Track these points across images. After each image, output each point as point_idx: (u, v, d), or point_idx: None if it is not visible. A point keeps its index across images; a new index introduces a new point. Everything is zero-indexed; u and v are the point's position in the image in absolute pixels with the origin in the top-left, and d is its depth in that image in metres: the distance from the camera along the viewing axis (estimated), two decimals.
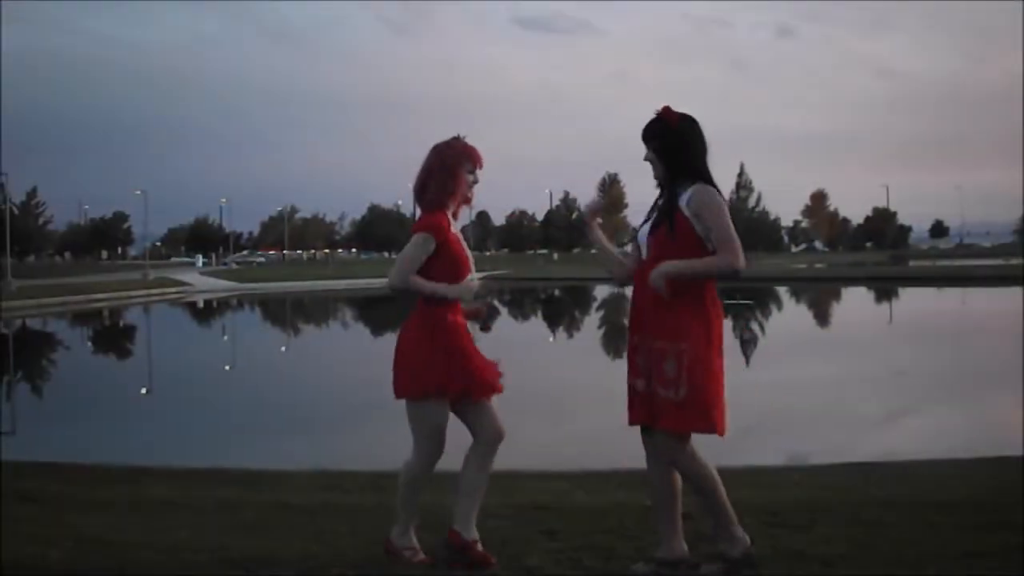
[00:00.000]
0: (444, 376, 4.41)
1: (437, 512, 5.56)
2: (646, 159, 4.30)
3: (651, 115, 4.27)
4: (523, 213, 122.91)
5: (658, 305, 4.12)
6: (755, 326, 28.62)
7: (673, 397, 4.05)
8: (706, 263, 4.08)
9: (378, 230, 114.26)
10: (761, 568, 4.15)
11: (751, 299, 38.81)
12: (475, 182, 4.61)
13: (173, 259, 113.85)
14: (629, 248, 4.56)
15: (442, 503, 5.86)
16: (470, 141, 4.63)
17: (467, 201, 4.63)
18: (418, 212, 4.65)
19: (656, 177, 4.32)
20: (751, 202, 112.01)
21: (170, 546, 4.83)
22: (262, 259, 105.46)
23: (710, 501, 4.27)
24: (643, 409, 4.19)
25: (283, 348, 26.19)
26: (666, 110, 4.25)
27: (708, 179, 4.22)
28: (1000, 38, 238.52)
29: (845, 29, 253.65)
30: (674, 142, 4.23)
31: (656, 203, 4.36)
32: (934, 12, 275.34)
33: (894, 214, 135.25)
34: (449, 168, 4.51)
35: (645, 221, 4.39)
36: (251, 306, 46.38)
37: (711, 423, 4.08)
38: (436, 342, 4.44)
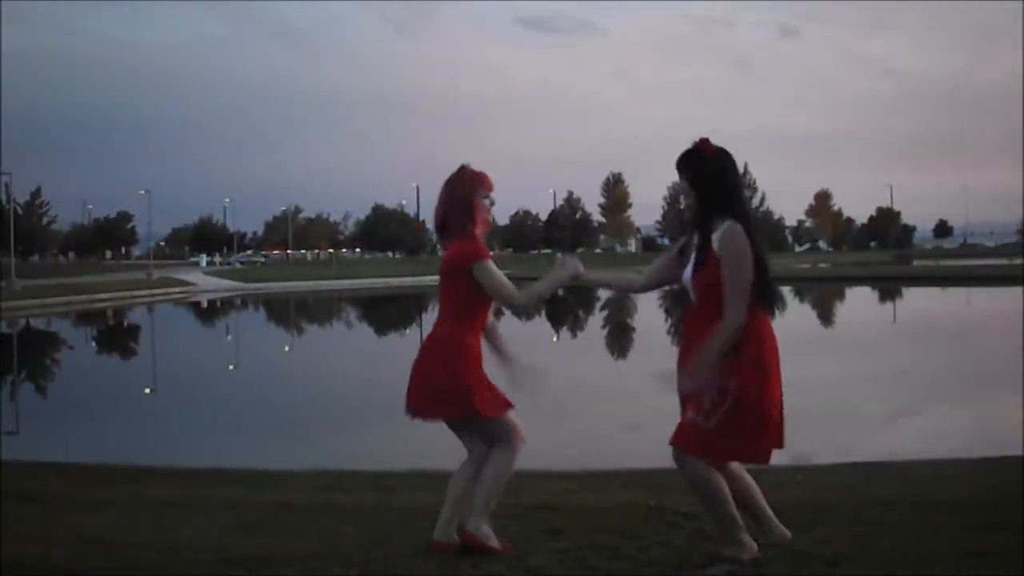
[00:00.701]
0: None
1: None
2: (679, 191, 4.33)
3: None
4: (527, 213, 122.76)
5: (695, 342, 4.19)
6: None
7: (702, 424, 4.11)
8: (719, 337, 4.09)
9: (382, 230, 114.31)
10: (765, 568, 4.15)
11: None
12: (492, 204, 4.73)
13: (190, 259, 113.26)
14: (649, 265, 4.62)
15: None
16: (476, 165, 4.74)
17: (487, 225, 4.73)
18: (438, 244, 4.87)
19: (688, 207, 4.36)
20: (755, 202, 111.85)
21: (172, 546, 4.83)
22: (263, 259, 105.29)
23: (716, 513, 4.27)
24: None
25: (286, 348, 26.20)
26: (703, 142, 4.27)
27: (743, 214, 4.22)
28: (1000, 38, 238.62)
29: (845, 29, 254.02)
30: (709, 174, 4.24)
31: (690, 239, 4.39)
32: (934, 12, 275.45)
33: (898, 214, 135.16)
34: (465, 198, 4.62)
35: (679, 252, 4.46)
36: (255, 306, 46.39)
37: (743, 453, 4.23)
38: (477, 363, 4.58)
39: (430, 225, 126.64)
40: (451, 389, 4.52)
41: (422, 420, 4.66)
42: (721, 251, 4.15)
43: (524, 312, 5.17)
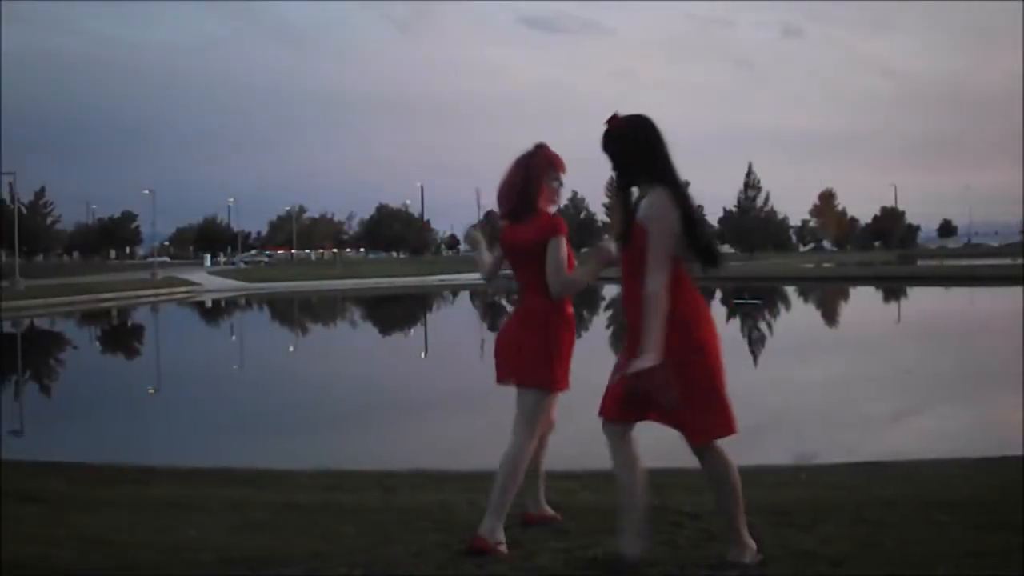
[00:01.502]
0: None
1: (452, 509, 5.57)
2: (613, 170, 4.28)
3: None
4: None
5: (635, 321, 4.11)
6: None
7: (691, 411, 4.05)
8: (647, 315, 3.97)
9: (386, 230, 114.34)
10: (769, 568, 4.15)
11: (759, 298, 38.79)
12: (560, 186, 4.86)
13: (161, 259, 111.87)
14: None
15: (454, 500, 5.88)
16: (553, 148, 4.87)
17: (554, 203, 4.85)
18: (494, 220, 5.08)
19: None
20: (759, 201, 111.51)
21: (174, 546, 4.82)
22: (267, 258, 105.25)
23: (730, 508, 4.22)
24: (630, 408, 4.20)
25: (290, 348, 26.21)
26: (612, 118, 4.22)
27: (666, 178, 4.13)
28: (1001, 38, 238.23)
29: (847, 29, 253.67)
30: (622, 147, 4.20)
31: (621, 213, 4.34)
32: (934, 12, 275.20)
33: (902, 213, 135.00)
34: (534, 178, 4.75)
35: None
36: (259, 306, 46.43)
37: (720, 429, 4.10)
38: (569, 336, 4.77)
39: (435, 224, 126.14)
40: (546, 358, 4.69)
41: (509, 383, 4.84)
42: (645, 220, 4.07)
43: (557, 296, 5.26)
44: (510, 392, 4.84)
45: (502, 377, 4.87)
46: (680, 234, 4.06)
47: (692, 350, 4.05)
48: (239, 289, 57.79)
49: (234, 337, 30.95)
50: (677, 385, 3.98)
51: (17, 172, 64.91)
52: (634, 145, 4.18)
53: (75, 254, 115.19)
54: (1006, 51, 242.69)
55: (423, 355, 23.79)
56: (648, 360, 3.92)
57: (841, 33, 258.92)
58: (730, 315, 34.03)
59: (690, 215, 4.09)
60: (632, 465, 4.25)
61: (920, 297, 41.72)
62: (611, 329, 29.48)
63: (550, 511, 5.07)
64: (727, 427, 4.10)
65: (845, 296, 43.55)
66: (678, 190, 4.12)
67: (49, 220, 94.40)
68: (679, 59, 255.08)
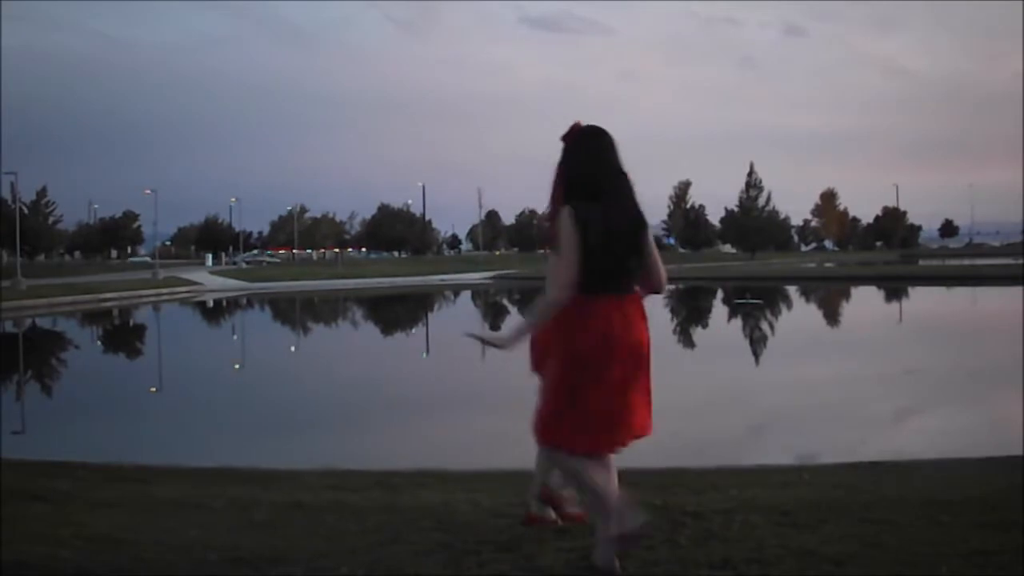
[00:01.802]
0: None
1: (455, 509, 5.59)
2: None
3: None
4: (532, 212, 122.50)
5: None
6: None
7: (539, 409, 4.24)
8: (533, 310, 4.17)
9: (388, 230, 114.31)
10: (772, 567, 4.15)
11: (761, 298, 38.79)
12: None
13: (147, 258, 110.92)
14: None
15: (457, 500, 5.89)
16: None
17: None
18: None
19: None
20: (761, 201, 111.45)
21: (179, 545, 4.83)
22: (274, 259, 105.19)
23: (589, 499, 4.39)
24: None
25: (292, 348, 26.22)
26: (572, 127, 4.33)
27: (577, 193, 4.22)
28: (1003, 38, 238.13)
29: (851, 28, 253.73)
30: (563, 157, 4.33)
31: None
32: (939, 11, 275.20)
33: (904, 213, 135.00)
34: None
35: None
36: (261, 305, 46.43)
37: (554, 439, 4.21)
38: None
39: (436, 224, 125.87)
40: None
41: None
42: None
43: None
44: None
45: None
46: (584, 253, 4.10)
47: (558, 359, 4.17)
48: (241, 289, 57.79)
49: (236, 337, 30.97)
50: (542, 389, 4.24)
51: (21, 171, 65.11)
52: (571, 156, 4.30)
53: (77, 254, 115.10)
54: (1009, 51, 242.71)
55: (424, 355, 23.81)
56: (498, 340, 4.15)
57: (844, 32, 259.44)
58: (732, 314, 34.08)
59: (591, 238, 4.11)
60: (602, 483, 4.28)
61: (922, 297, 41.73)
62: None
63: (552, 515, 5.05)
64: (554, 441, 4.21)
65: (847, 296, 43.55)
66: (592, 211, 4.15)
67: (51, 220, 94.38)
68: (681, 58, 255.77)
